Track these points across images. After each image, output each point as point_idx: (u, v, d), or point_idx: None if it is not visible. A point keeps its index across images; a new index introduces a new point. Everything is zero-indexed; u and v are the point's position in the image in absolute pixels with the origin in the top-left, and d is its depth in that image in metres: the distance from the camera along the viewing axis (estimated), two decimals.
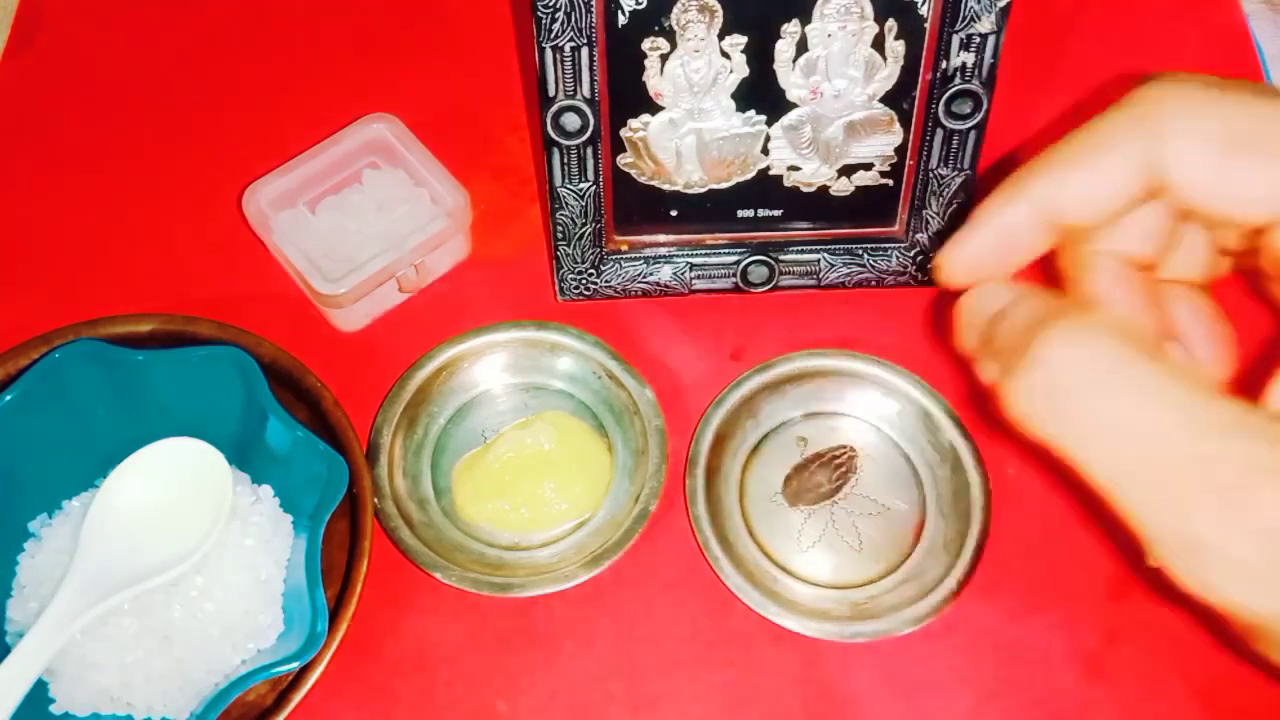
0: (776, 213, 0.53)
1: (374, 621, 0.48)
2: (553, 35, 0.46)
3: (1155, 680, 0.47)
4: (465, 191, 0.54)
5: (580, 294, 0.55)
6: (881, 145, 0.51)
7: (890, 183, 0.52)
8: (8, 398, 0.47)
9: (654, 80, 0.48)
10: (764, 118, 0.50)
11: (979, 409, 0.52)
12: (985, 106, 0.49)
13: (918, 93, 0.49)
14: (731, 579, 0.48)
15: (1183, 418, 0.30)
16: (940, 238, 0.53)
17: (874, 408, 0.52)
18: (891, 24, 0.47)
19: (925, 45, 0.48)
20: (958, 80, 0.48)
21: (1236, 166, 0.34)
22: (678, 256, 0.54)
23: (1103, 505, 0.31)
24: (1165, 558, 0.30)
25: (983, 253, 0.37)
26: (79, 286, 0.56)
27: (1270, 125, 0.33)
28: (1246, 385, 0.33)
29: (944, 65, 0.48)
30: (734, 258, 0.54)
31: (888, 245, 0.54)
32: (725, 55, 0.47)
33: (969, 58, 0.47)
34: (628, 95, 0.48)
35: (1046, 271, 0.39)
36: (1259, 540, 0.29)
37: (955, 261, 0.37)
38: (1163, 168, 0.35)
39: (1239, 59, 0.63)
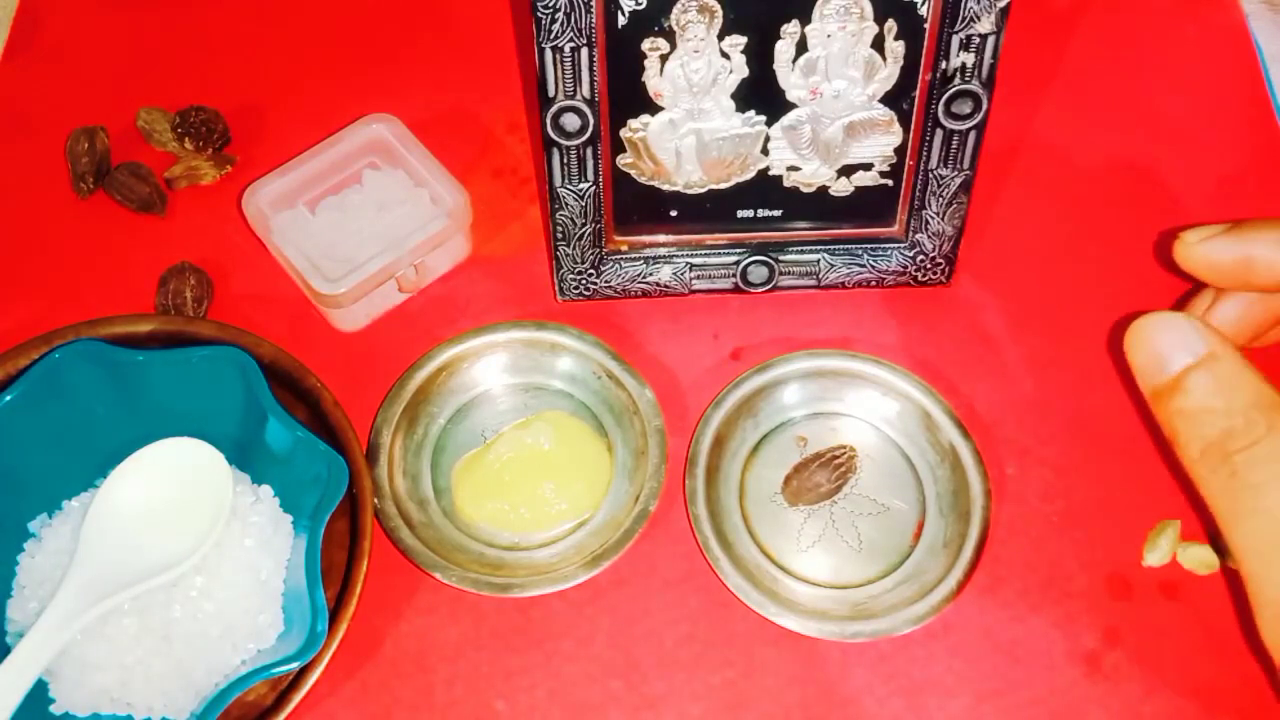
0: (776, 213, 0.53)
1: (374, 621, 0.48)
2: (552, 36, 0.46)
3: (1155, 680, 0.47)
4: (465, 191, 0.54)
5: (580, 294, 0.55)
6: (881, 145, 0.51)
7: (890, 183, 0.52)
8: (8, 398, 0.47)
9: (654, 80, 0.48)
10: (764, 118, 0.50)
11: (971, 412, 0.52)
12: (985, 107, 0.49)
13: (917, 93, 0.49)
14: (731, 579, 0.48)
15: None
16: (940, 238, 0.53)
17: (874, 408, 0.52)
18: (891, 24, 0.47)
19: (925, 45, 0.48)
20: (957, 80, 0.48)
21: None
22: (677, 256, 0.54)
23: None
24: (1261, 616, 0.38)
25: (1225, 259, 0.45)
26: (79, 286, 0.56)
27: None
28: None
29: (944, 65, 0.48)
30: (734, 258, 0.54)
31: (888, 245, 0.54)
32: (725, 55, 0.47)
33: (969, 58, 0.47)
34: (627, 95, 0.48)
35: None
36: None
37: (1196, 249, 0.46)
38: None
39: (1239, 59, 0.63)
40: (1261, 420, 0.39)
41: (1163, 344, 0.41)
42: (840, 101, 0.49)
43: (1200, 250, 0.46)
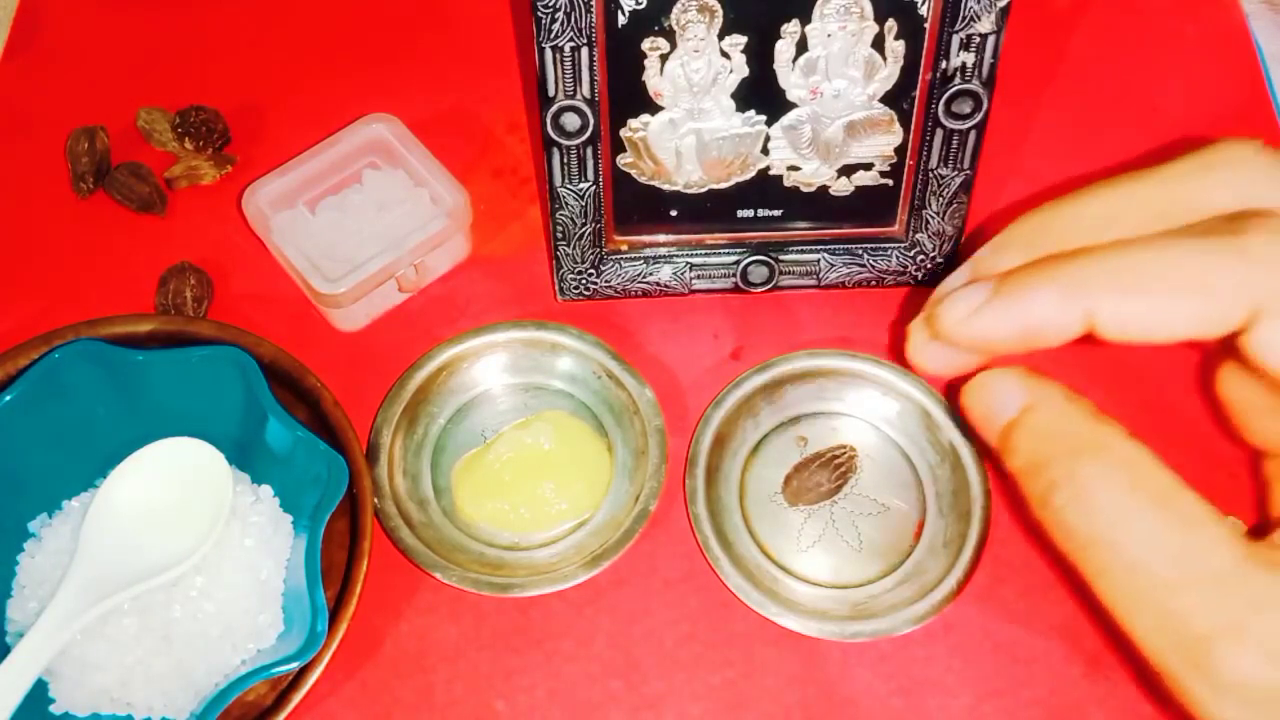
0: (776, 213, 0.53)
1: (374, 621, 0.48)
2: (552, 35, 0.46)
3: (1155, 680, 0.47)
4: (465, 191, 0.54)
5: (580, 294, 0.55)
6: (881, 145, 0.51)
7: (890, 183, 0.52)
8: (8, 398, 0.47)
9: (654, 80, 0.48)
10: (764, 118, 0.50)
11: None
12: (985, 106, 0.49)
13: (917, 93, 0.49)
14: (731, 579, 0.48)
15: (1178, 565, 0.33)
16: (940, 237, 0.53)
17: (874, 408, 0.52)
18: (891, 24, 0.47)
19: (925, 45, 0.48)
20: (958, 80, 0.48)
21: None
22: (677, 256, 0.54)
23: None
24: (1161, 670, 0.34)
25: (1003, 333, 0.36)
26: (79, 286, 0.56)
27: None
28: None
29: (944, 65, 0.48)
30: (734, 258, 0.54)
31: (888, 245, 0.54)
32: (725, 55, 0.47)
33: (969, 58, 0.47)
34: (627, 95, 0.48)
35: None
36: (1226, 697, 0.33)
37: (966, 329, 0.37)
38: (1264, 341, 0.33)
39: (1239, 59, 0.63)
40: (1077, 468, 0.35)
41: (988, 403, 0.38)
42: (840, 101, 0.49)
43: (976, 328, 0.37)
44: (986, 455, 0.50)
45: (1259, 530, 0.38)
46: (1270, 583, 0.33)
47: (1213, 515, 0.34)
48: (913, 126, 0.50)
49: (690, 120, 0.49)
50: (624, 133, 0.50)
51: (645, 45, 0.47)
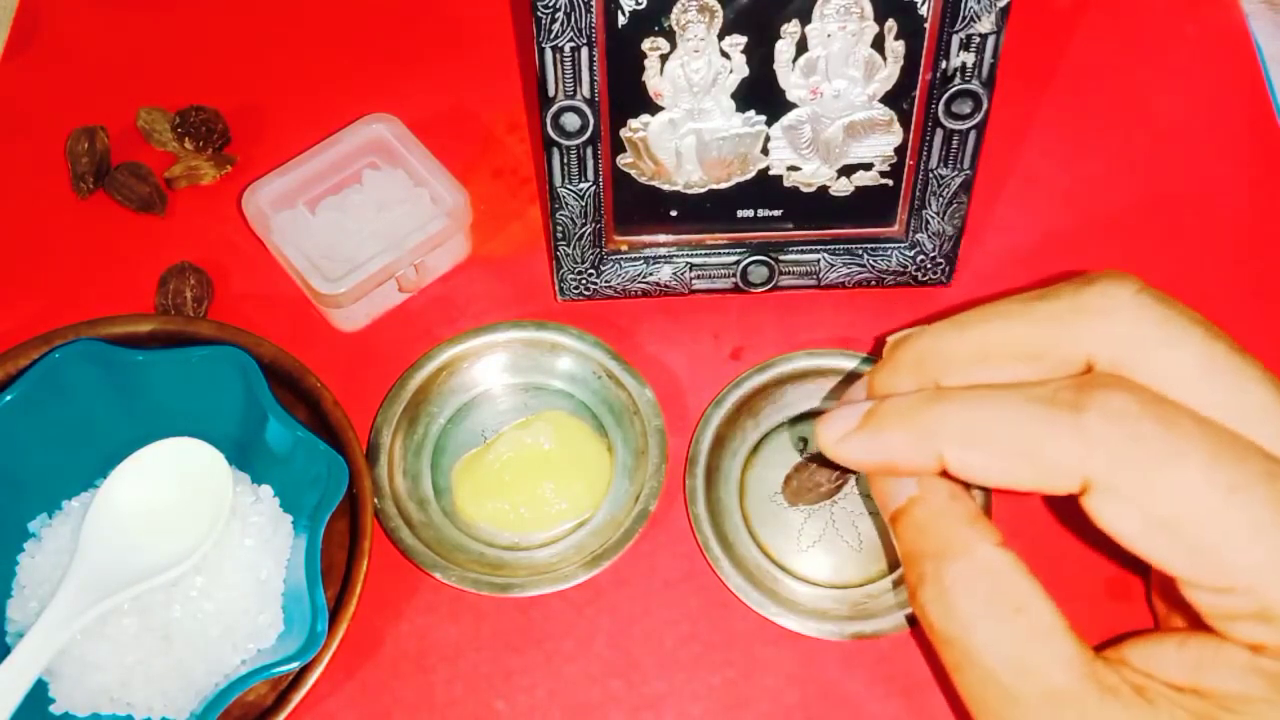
0: (776, 213, 0.53)
1: (374, 621, 0.48)
2: (553, 35, 0.46)
3: None
4: (465, 191, 0.54)
5: (580, 294, 0.55)
6: (881, 145, 0.51)
7: (890, 183, 0.52)
8: (8, 398, 0.47)
9: (654, 80, 0.48)
10: (764, 118, 0.50)
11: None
12: (985, 106, 0.49)
13: (917, 93, 0.49)
14: (731, 579, 0.48)
15: (1020, 678, 0.36)
16: (940, 238, 0.53)
17: None
18: (891, 24, 0.47)
19: (925, 45, 0.48)
20: (958, 80, 0.48)
21: (1174, 537, 0.34)
22: (677, 256, 0.54)
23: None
24: None
25: (866, 463, 0.39)
26: (79, 286, 0.56)
27: (1218, 509, 0.34)
28: None
29: (944, 65, 0.48)
30: (734, 258, 0.54)
31: (888, 245, 0.54)
32: (725, 55, 0.47)
33: (969, 58, 0.47)
34: (628, 95, 0.48)
35: None
36: None
37: (837, 450, 0.40)
38: (1095, 508, 0.35)
39: (1239, 59, 0.63)
40: (942, 568, 0.37)
41: (884, 489, 0.40)
42: (840, 101, 0.49)
43: (844, 453, 0.39)
44: None
45: (1117, 641, 0.41)
46: (1099, 706, 0.35)
47: (1064, 630, 0.36)
48: (913, 127, 0.50)
49: (690, 120, 0.49)
50: (624, 133, 0.50)
51: (645, 45, 0.47)
